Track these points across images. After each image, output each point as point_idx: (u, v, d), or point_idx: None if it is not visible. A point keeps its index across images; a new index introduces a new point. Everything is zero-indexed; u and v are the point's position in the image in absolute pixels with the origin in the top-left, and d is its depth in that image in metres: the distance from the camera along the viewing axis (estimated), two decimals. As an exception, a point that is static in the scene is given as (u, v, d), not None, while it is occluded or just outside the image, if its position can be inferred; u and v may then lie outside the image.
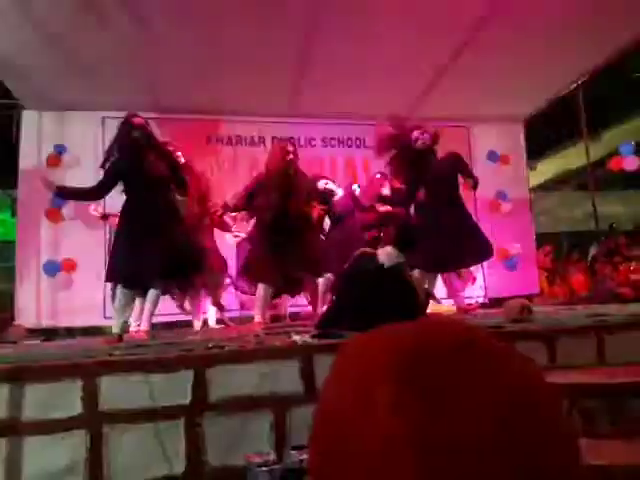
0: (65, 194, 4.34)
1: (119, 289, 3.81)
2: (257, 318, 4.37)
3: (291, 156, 4.34)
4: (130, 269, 3.62)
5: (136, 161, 3.77)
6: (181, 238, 3.88)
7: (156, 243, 3.62)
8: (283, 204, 4.24)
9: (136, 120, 3.88)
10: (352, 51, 5.74)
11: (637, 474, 1.50)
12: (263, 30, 5.32)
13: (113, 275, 3.79)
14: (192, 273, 3.97)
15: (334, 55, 5.81)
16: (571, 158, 12.67)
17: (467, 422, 0.73)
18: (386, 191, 5.20)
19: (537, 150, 12.79)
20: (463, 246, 4.23)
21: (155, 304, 3.81)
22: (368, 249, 3.28)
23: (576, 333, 2.40)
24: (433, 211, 4.34)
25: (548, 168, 14.49)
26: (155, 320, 5.29)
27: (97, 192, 3.98)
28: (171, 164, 3.92)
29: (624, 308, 4.04)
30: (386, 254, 3.01)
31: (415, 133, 4.40)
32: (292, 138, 7.42)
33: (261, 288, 4.35)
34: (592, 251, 9.60)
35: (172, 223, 3.83)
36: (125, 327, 3.81)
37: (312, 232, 4.57)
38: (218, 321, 5.15)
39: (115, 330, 3.75)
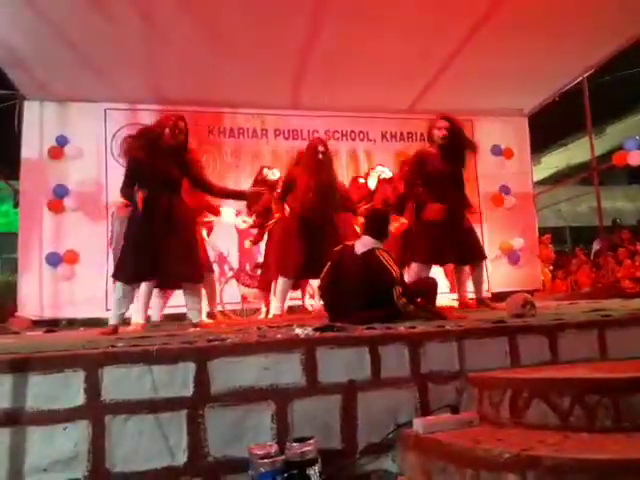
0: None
1: (120, 283, 3.76)
2: (277, 310, 4.46)
3: (320, 156, 4.37)
4: (143, 270, 3.66)
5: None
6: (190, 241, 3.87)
7: (169, 245, 3.64)
8: (315, 201, 4.32)
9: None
10: (355, 45, 5.73)
11: (635, 468, 1.51)
12: (265, 22, 5.31)
13: (123, 275, 3.73)
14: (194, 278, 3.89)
15: (337, 48, 5.80)
16: (575, 153, 12.65)
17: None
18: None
19: (542, 144, 12.78)
20: (460, 244, 4.25)
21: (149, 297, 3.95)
22: (350, 242, 3.51)
23: (578, 328, 2.39)
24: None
25: (552, 162, 14.47)
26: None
27: None
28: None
29: (627, 303, 4.03)
30: (361, 243, 3.34)
31: (435, 130, 4.32)
32: (295, 130, 7.45)
33: (283, 282, 4.44)
34: (595, 246, 9.60)
35: (185, 225, 3.83)
36: (122, 319, 3.82)
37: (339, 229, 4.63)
38: (209, 315, 5.14)
39: (112, 322, 3.74)
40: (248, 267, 6.88)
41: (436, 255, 4.29)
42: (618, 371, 2.04)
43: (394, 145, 7.68)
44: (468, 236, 4.34)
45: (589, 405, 1.83)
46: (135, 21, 5.17)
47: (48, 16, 5.02)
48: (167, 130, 3.70)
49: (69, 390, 1.88)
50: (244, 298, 6.70)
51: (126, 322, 4.19)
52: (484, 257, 4.54)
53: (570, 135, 12.82)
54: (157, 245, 3.63)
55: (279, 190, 4.78)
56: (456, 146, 4.27)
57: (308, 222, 4.37)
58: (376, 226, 3.44)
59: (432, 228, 4.21)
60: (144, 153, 3.66)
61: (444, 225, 4.17)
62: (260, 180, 5.44)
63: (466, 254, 4.31)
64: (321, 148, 4.42)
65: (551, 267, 10.02)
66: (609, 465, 1.54)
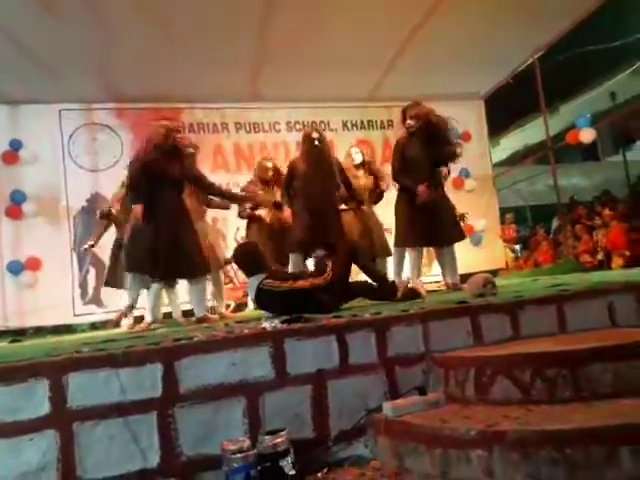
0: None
1: (133, 275, 4.01)
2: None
3: (317, 143, 4.43)
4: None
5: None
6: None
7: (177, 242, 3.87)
8: (316, 186, 4.41)
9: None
10: (309, 34, 5.73)
11: (597, 436, 1.57)
12: (219, 15, 5.25)
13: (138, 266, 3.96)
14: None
15: (292, 39, 5.79)
16: (532, 133, 12.92)
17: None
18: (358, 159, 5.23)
19: (500, 126, 13.02)
20: (441, 226, 4.35)
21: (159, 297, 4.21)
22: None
23: (538, 304, 2.47)
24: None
25: (510, 144, 14.75)
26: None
27: None
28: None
29: (586, 277, 4.16)
30: (250, 288, 3.53)
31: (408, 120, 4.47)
32: (256, 123, 7.41)
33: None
34: (555, 223, 9.85)
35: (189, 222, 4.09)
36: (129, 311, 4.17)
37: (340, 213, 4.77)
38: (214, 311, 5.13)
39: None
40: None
41: (417, 238, 4.39)
42: (576, 343, 2.11)
43: (355, 133, 7.73)
44: (449, 219, 4.45)
45: (549, 378, 1.90)
46: (86, 20, 5.05)
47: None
48: (174, 134, 4.03)
49: (33, 400, 1.85)
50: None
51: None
52: (462, 238, 4.61)
53: (526, 116, 13.10)
54: (166, 242, 3.83)
55: (282, 182, 4.84)
56: (431, 132, 4.37)
57: (313, 210, 4.42)
58: (248, 265, 3.50)
59: (413, 213, 4.34)
60: (158, 157, 3.91)
61: (422, 209, 4.28)
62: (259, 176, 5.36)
63: (448, 236, 4.43)
64: (316, 135, 4.47)
65: (517, 246, 10.28)
66: (570, 434, 1.60)
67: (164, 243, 3.83)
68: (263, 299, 3.25)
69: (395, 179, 4.60)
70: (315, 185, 4.44)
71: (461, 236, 4.56)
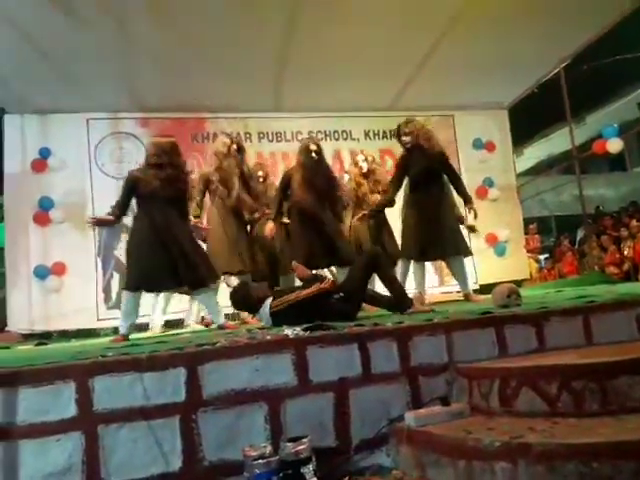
0: None
1: (128, 293, 3.86)
2: None
3: (314, 155, 4.40)
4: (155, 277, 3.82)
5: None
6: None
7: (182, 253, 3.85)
8: (311, 196, 4.35)
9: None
10: (333, 44, 5.74)
11: (625, 451, 1.53)
12: (243, 28, 5.31)
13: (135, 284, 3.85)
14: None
15: (315, 49, 5.81)
16: (557, 143, 12.77)
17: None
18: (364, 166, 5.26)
19: (524, 136, 12.90)
20: (444, 240, 4.36)
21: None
22: None
23: (563, 315, 2.43)
24: (418, 203, 4.47)
25: (535, 153, 14.60)
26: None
27: None
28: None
29: (612, 289, 4.09)
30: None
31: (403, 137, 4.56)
32: (278, 133, 7.46)
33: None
34: (580, 234, 9.70)
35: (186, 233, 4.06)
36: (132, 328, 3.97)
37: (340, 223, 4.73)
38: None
39: (123, 331, 3.84)
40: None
41: (417, 251, 4.43)
42: (603, 356, 2.07)
43: (377, 143, 7.71)
44: (450, 231, 4.43)
45: (576, 390, 1.87)
46: (111, 32, 5.15)
47: (24, 30, 4.99)
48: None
49: (60, 402, 1.88)
50: None
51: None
52: (467, 253, 4.58)
53: (551, 126, 12.96)
54: (168, 254, 3.80)
55: (276, 194, 4.77)
56: (424, 148, 4.43)
57: (307, 220, 4.39)
58: (249, 306, 3.54)
59: (416, 225, 4.39)
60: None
61: (425, 222, 4.33)
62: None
63: (448, 249, 4.41)
64: (313, 147, 4.44)
65: (541, 257, 10.14)
66: (598, 448, 1.56)
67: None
68: (279, 320, 3.24)
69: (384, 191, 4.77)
70: (312, 197, 4.37)
71: (464, 249, 4.53)
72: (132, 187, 3.94)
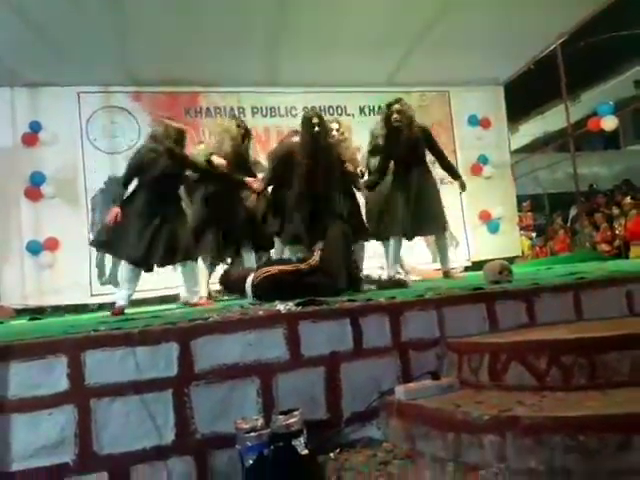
0: None
1: (127, 265, 3.94)
2: None
3: (317, 128, 4.34)
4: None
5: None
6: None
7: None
8: (313, 173, 4.32)
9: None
10: (327, 20, 5.66)
11: (611, 423, 1.56)
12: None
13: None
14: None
15: (309, 24, 5.74)
16: (552, 120, 12.71)
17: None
18: None
19: (520, 112, 12.83)
20: (422, 217, 4.49)
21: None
22: None
23: (554, 291, 2.45)
24: (403, 182, 4.56)
25: (530, 130, 14.54)
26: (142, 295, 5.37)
27: None
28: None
29: (603, 266, 4.11)
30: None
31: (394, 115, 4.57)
32: (272, 108, 7.39)
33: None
34: (572, 212, 9.73)
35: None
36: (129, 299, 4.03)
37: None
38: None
39: (121, 302, 3.89)
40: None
41: (397, 228, 4.55)
42: (593, 331, 2.09)
43: (373, 119, 7.64)
44: (431, 208, 4.51)
45: (565, 365, 1.88)
46: (104, 5, 5.05)
47: (14, 2, 4.88)
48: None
49: (52, 376, 1.88)
50: None
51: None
52: (445, 229, 4.67)
53: (547, 103, 12.89)
54: (162, 227, 3.92)
55: (274, 165, 4.70)
56: (410, 127, 4.50)
57: (310, 196, 4.37)
58: (238, 289, 3.54)
59: (397, 202, 4.51)
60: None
61: (407, 199, 4.45)
62: None
63: (429, 226, 4.56)
64: (316, 120, 4.38)
65: (534, 234, 10.17)
66: (585, 421, 1.58)
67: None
68: (260, 292, 3.25)
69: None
70: (314, 173, 4.33)
71: (444, 227, 4.62)
72: (140, 167, 4.02)
